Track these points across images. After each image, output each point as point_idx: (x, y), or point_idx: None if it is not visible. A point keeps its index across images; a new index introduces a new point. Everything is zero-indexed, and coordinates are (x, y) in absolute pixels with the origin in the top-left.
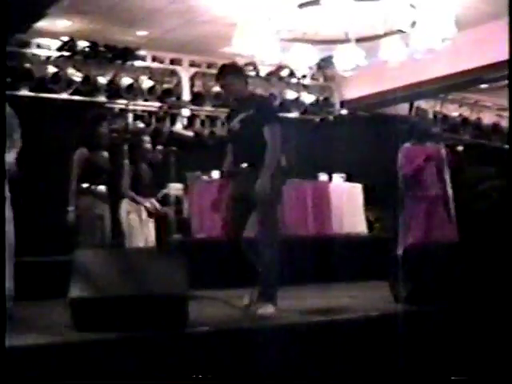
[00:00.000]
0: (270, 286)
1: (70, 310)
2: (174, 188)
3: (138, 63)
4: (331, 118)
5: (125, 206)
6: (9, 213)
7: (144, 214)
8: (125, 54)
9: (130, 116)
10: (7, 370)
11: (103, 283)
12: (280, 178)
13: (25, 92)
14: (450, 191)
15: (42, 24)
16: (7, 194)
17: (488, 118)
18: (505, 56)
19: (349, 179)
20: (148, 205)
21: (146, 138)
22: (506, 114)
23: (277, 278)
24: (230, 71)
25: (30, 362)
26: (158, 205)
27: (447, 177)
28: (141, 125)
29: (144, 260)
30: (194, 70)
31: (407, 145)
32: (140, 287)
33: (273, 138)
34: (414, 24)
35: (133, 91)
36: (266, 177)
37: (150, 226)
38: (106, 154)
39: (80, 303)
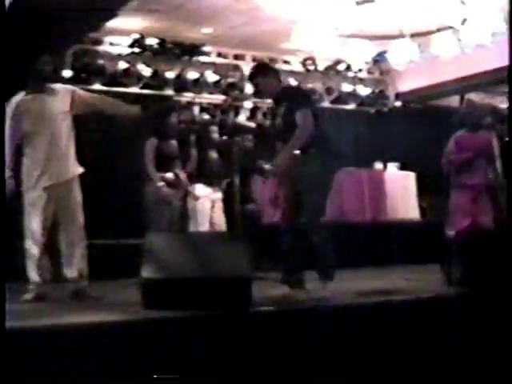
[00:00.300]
0: (326, 266)
1: (141, 290)
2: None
3: (203, 59)
4: (386, 109)
5: (195, 191)
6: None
7: (213, 199)
8: (191, 50)
9: (196, 108)
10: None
11: (172, 265)
12: (328, 163)
13: (98, 86)
14: (500, 180)
15: (113, 23)
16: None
17: None
18: None
19: (403, 168)
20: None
21: (214, 128)
22: None
23: (331, 257)
24: (260, 72)
25: (100, 337)
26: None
27: (497, 166)
28: (206, 116)
29: (211, 244)
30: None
31: (459, 133)
32: (206, 270)
33: (302, 121)
34: (464, 20)
35: (199, 85)
36: (286, 152)
37: (218, 211)
38: (175, 143)
39: (150, 284)
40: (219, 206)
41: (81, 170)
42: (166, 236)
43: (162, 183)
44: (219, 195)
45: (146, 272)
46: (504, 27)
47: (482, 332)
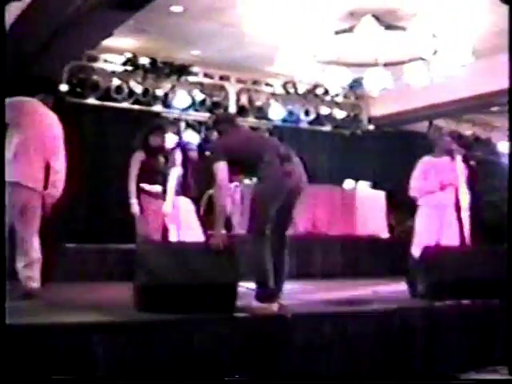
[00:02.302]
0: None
1: (134, 294)
2: None
3: (191, 78)
4: (360, 132)
5: (177, 203)
6: None
7: (194, 211)
8: (180, 69)
9: (183, 125)
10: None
11: (163, 272)
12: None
13: (92, 100)
14: (464, 201)
15: (109, 41)
16: None
17: (497, 137)
18: None
19: (374, 186)
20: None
21: (193, 147)
22: None
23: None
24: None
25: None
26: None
27: (462, 188)
28: (192, 133)
29: (198, 252)
30: (240, 85)
31: (426, 157)
32: (194, 276)
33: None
34: (435, 52)
35: (186, 102)
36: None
37: (198, 222)
38: (161, 158)
39: (142, 289)
40: (199, 217)
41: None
42: (155, 244)
43: (134, 200)
44: (200, 207)
45: (138, 278)
46: (471, 59)
47: (443, 341)
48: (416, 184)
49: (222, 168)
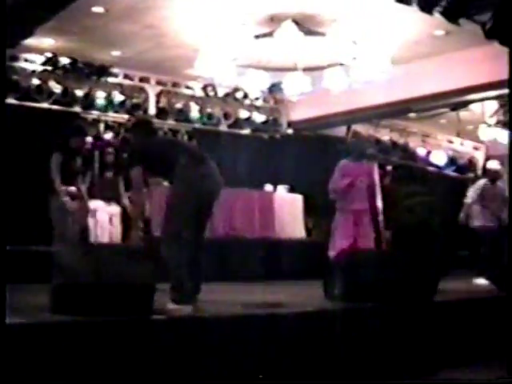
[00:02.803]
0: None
1: (50, 296)
2: None
3: (111, 79)
4: (278, 136)
5: (93, 205)
6: None
7: (111, 213)
8: (100, 70)
9: (102, 126)
10: None
11: (79, 274)
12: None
13: (11, 101)
14: (379, 205)
15: (29, 41)
16: None
17: (413, 143)
18: (431, 90)
19: (292, 190)
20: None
21: (109, 150)
22: (430, 139)
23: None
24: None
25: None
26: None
27: (377, 192)
28: (110, 134)
29: (115, 254)
30: (160, 87)
31: (343, 161)
32: (111, 278)
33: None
34: (354, 58)
35: (105, 104)
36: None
37: (116, 223)
38: (79, 159)
39: (57, 290)
40: (117, 219)
41: None
42: (72, 245)
43: (66, 198)
44: (117, 210)
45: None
46: (390, 66)
47: (358, 343)
48: (334, 187)
49: (136, 172)
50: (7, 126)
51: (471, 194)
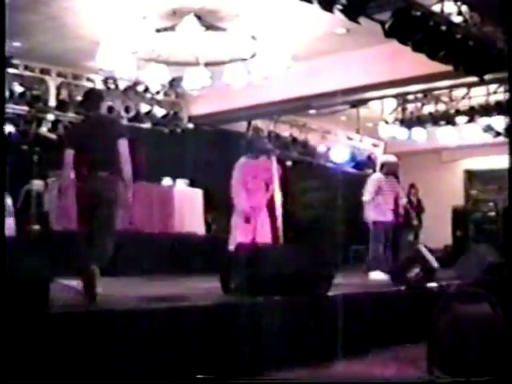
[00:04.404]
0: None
1: None
2: (36, 184)
3: (11, 70)
4: (179, 130)
5: None
6: None
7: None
8: None
9: None
10: None
11: None
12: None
13: None
14: (277, 200)
15: None
16: None
17: (313, 139)
18: (331, 87)
19: (191, 184)
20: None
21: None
22: (330, 136)
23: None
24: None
25: None
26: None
27: (276, 187)
28: (10, 126)
29: (10, 248)
30: (60, 79)
31: (242, 158)
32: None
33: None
34: (254, 54)
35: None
36: None
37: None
38: None
39: None
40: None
41: None
42: None
43: None
44: (9, 202)
45: None
46: (290, 63)
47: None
48: (232, 184)
49: None
50: None
51: (368, 188)
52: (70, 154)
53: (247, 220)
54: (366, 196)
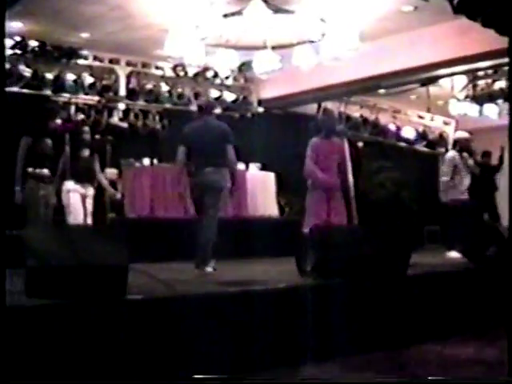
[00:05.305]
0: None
1: (25, 279)
2: (110, 173)
3: (80, 61)
4: (249, 114)
5: (66, 187)
6: None
7: (84, 194)
8: (69, 53)
9: (73, 108)
10: None
11: (52, 256)
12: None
13: None
14: (350, 180)
15: None
16: None
17: (384, 119)
18: (400, 66)
19: (263, 168)
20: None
21: (86, 129)
22: (400, 115)
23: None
24: None
25: None
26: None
27: (348, 168)
28: (81, 116)
29: (87, 235)
30: (129, 68)
31: (315, 139)
32: (84, 259)
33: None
34: (323, 35)
35: (76, 86)
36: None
37: (89, 205)
38: (49, 141)
39: (30, 274)
40: (90, 201)
41: None
42: (44, 228)
43: (34, 181)
44: (90, 191)
45: (28, 262)
46: (358, 43)
47: (333, 318)
48: (306, 165)
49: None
50: None
51: (445, 170)
52: (182, 149)
53: (321, 201)
54: (444, 176)
